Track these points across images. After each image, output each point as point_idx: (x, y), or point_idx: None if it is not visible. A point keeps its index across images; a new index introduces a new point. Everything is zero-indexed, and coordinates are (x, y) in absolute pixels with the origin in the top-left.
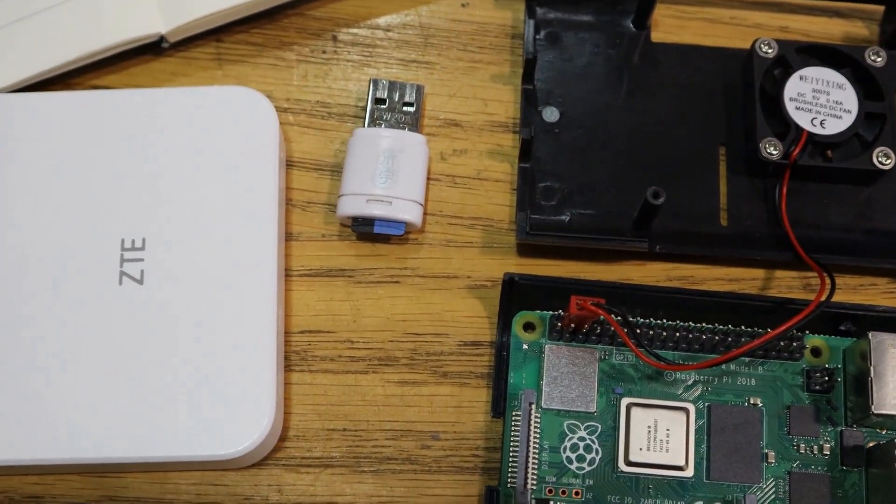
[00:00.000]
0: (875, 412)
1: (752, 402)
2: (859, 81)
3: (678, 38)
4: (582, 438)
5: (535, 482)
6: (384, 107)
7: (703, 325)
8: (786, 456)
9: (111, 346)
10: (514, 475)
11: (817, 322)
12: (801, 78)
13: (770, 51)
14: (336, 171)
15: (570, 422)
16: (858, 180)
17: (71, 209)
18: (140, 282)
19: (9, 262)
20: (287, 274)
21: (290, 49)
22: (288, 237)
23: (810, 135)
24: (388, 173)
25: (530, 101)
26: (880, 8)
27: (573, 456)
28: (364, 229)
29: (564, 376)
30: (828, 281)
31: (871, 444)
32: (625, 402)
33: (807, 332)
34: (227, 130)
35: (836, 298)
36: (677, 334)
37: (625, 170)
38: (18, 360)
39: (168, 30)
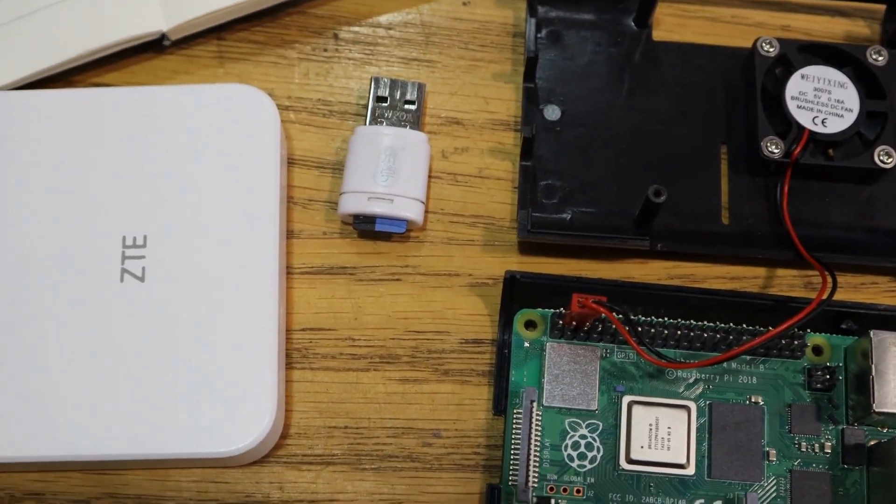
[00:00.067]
0: (876, 410)
1: (753, 400)
2: (861, 80)
3: (679, 37)
4: (583, 436)
5: (536, 480)
6: (386, 105)
7: (705, 323)
8: (787, 454)
9: (112, 344)
10: (516, 473)
11: (818, 320)
12: (802, 77)
13: (771, 49)
14: (337, 168)
15: (571, 420)
16: (860, 179)
17: (72, 207)
18: (141, 279)
19: (10, 259)
20: (288, 272)
21: (291, 47)
22: (289, 235)
23: (812, 133)
24: (389, 171)
25: (532, 100)
26: (882, 7)
27: (574, 454)
28: (365, 227)
29: (566, 374)
30: (829, 279)
31: (872, 443)
32: (626, 399)
33: (808, 330)
34: (228, 128)
35: (837, 297)
36: (678, 332)
37: (626, 168)
38: (20, 357)
39: (169, 27)
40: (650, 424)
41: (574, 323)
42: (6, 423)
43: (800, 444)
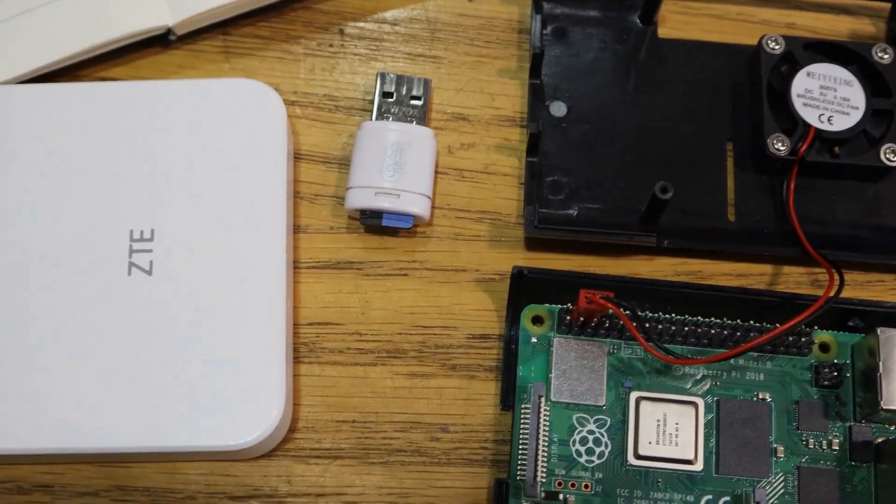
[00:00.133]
0: (884, 408)
1: (760, 396)
2: (866, 78)
3: (685, 34)
4: (591, 431)
5: (544, 475)
6: (392, 100)
7: (712, 319)
8: (795, 451)
9: (121, 337)
10: (524, 468)
11: (825, 318)
12: (808, 74)
13: (777, 47)
14: (344, 164)
15: (579, 415)
16: (866, 177)
17: (79, 200)
18: (149, 272)
19: (18, 252)
20: (295, 266)
21: (297, 42)
22: (296, 229)
23: (818, 131)
24: (396, 166)
25: (537, 96)
26: (887, 5)
27: (582, 449)
28: (372, 222)
29: (573, 370)
30: (836, 277)
31: (879, 440)
32: (634, 395)
33: (815, 327)
34: (235, 123)
35: (844, 294)
36: (686, 329)
37: (632, 165)
38: (29, 350)
39: (175, 22)
40: (658, 420)
41: (581, 319)
42: (15, 415)
43: (807, 441)
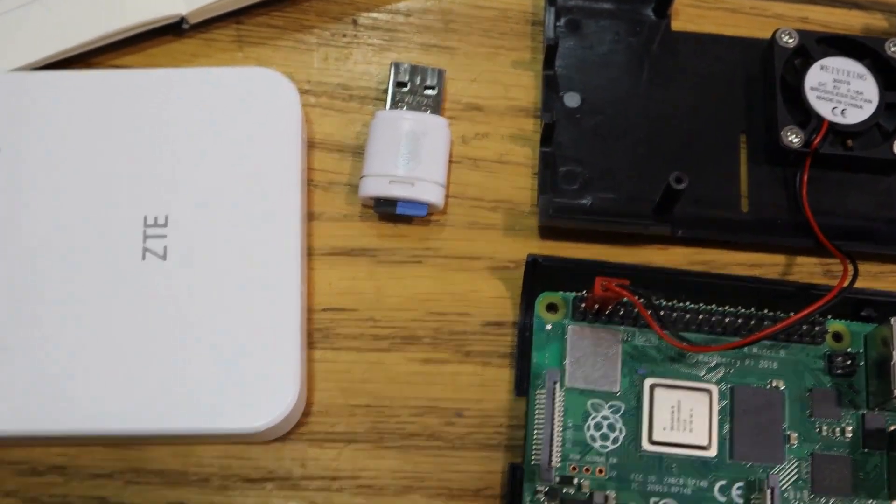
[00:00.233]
0: None
1: (774, 384)
2: (879, 72)
3: (698, 28)
4: (605, 417)
5: (559, 460)
6: (406, 90)
7: (726, 308)
8: (808, 438)
9: (135, 320)
10: (539, 453)
11: (839, 307)
12: (821, 68)
13: (790, 41)
14: (358, 152)
15: (593, 401)
16: (878, 169)
17: (93, 186)
18: (163, 257)
19: (34, 237)
20: (309, 253)
21: (310, 32)
22: (310, 217)
23: (831, 124)
24: (410, 155)
25: (551, 87)
26: None
27: (597, 434)
28: (386, 210)
29: (588, 356)
30: (850, 267)
31: (892, 428)
32: (648, 382)
33: (829, 316)
34: (249, 111)
35: (857, 285)
36: (700, 317)
37: (646, 156)
38: (43, 332)
39: (189, 11)
40: (672, 407)
41: (597, 306)
42: (30, 397)
43: (821, 429)
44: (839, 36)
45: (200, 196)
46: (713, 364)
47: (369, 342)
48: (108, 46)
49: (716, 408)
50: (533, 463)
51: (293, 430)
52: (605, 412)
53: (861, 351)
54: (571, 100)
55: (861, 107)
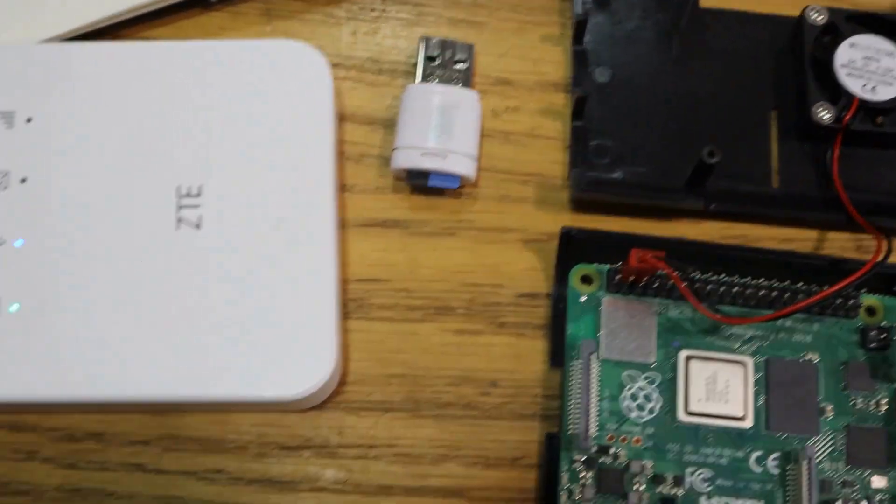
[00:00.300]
0: None
1: (808, 357)
2: None
3: (727, 4)
4: (641, 388)
5: (596, 429)
6: (436, 64)
7: (761, 280)
8: (843, 410)
9: (172, 289)
10: (576, 422)
11: (872, 282)
12: (851, 45)
13: (820, 18)
14: (389, 126)
15: (628, 372)
16: None
17: (124, 157)
18: (197, 226)
19: (68, 208)
20: (342, 225)
21: (338, 6)
22: (342, 189)
23: (861, 101)
24: (441, 128)
25: (581, 62)
26: None
27: (633, 405)
28: (419, 182)
29: (622, 328)
30: (884, 242)
31: None
32: (683, 354)
33: (863, 290)
34: (281, 82)
35: (891, 260)
36: (734, 290)
37: (676, 132)
38: (80, 301)
39: None
40: (707, 378)
41: (632, 278)
42: (68, 364)
43: (855, 401)
44: (868, 13)
45: (234, 167)
46: (747, 337)
47: (403, 313)
48: (137, 19)
49: (751, 379)
50: (570, 433)
51: (329, 399)
52: (641, 383)
53: (895, 325)
54: (602, 74)
55: (891, 84)
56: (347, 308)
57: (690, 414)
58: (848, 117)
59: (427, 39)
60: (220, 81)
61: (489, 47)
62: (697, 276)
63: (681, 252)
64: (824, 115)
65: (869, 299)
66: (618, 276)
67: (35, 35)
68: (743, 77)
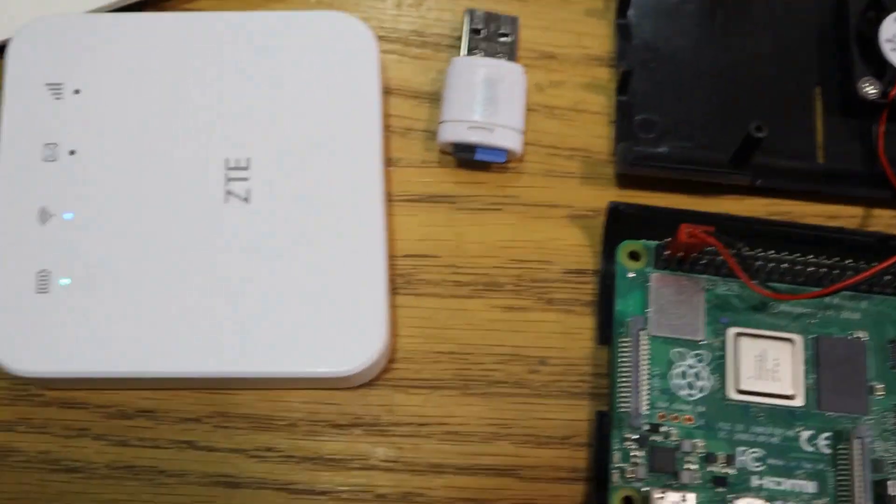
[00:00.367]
0: None
1: (856, 335)
2: None
3: None
4: (691, 366)
5: (647, 407)
6: (480, 37)
7: (810, 257)
8: (893, 389)
9: (223, 263)
10: (626, 400)
11: None
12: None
13: None
14: (434, 99)
15: (677, 349)
16: None
17: (172, 129)
18: (246, 200)
19: (117, 180)
20: (389, 199)
21: None
22: (388, 163)
23: None
24: (487, 101)
25: (625, 36)
26: None
27: (683, 383)
28: (465, 156)
29: (671, 304)
30: None
31: None
32: (732, 331)
33: None
34: (327, 54)
35: None
36: (782, 266)
37: (720, 106)
38: (131, 276)
39: None
40: (757, 356)
41: (681, 254)
42: (119, 340)
43: None
44: None
45: (282, 139)
46: (795, 314)
47: (451, 289)
48: None
49: (800, 357)
50: (621, 410)
51: (379, 376)
52: (690, 360)
53: None
54: (645, 49)
55: None
56: (395, 284)
57: (741, 392)
58: (893, 92)
59: (472, 12)
60: (266, 53)
61: (532, 20)
62: (746, 252)
63: (729, 228)
64: (870, 90)
65: None
66: (666, 252)
67: (82, 6)
68: (787, 51)
